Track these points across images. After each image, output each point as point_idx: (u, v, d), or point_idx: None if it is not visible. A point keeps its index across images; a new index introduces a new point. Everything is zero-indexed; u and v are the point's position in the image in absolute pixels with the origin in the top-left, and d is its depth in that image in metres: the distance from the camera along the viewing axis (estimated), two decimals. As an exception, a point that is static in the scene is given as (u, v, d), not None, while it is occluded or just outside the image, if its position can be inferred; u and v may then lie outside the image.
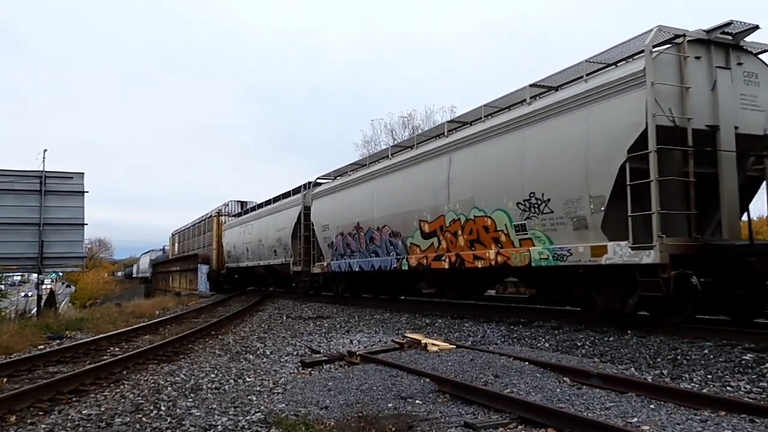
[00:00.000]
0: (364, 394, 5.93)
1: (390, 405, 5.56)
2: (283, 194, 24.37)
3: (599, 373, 6.26)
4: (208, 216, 37.08)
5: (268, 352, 9.45)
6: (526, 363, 6.98)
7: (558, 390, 5.78)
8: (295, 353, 9.22)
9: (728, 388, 5.94)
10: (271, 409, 5.63)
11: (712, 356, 6.99)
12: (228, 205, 35.95)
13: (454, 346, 8.33)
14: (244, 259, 28.78)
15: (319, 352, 8.98)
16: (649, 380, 6.32)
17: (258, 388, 6.67)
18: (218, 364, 8.28)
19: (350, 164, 18.72)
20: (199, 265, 33.61)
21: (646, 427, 4.45)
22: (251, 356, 9.17)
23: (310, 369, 7.83)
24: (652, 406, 5.10)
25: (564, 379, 6.31)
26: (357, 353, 8.07)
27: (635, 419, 4.70)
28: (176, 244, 48.83)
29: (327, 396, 5.97)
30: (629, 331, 8.83)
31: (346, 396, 5.92)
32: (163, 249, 63.33)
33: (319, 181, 20.82)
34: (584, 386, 6.02)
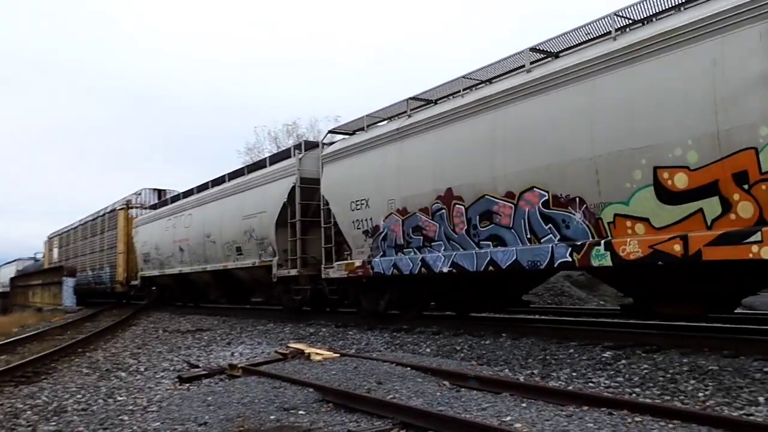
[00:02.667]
0: (245, 408, 5.79)
1: (272, 417, 5.46)
2: (252, 165, 17.47)
3: (476, 376, 6.53)
4: (109, 210, 27.22)
5: (142, 369, 8.96)
6: (408, 368, 7.12)
7: (438, 393, 5.96)
8: (171, 368, 8.80)
9: (590, 384, 6.41)
10: (144, 428, 5.34)
11: (576, 355, 7.52)
12: (141, 194, 26.70)
13: (338, 355, 8.34)
14: (174, 264, 20.40)
15: (197, 367, 8.64)
16: (522, 380, 6.68)
17: (131, 407, 6.30)
18: (86, 384, 7.73)
19: (397, 103, 11.57)
20: (64, 278, 27.12)
21: (518, 425, 4.69)
22: (123, 373, 8.65)
23: (188, 384, 7.51)
24: (524, 405, 5.39)
25: (444, 382, 6.51)
26: (238, 366, 7.85)
27: (509, 418, 4.94)
28: (55, 250, 37.88)
29: (206, 411, 5.75)
30: (504, 334, 9.29)
31: (227, 410, 5.74)
32: (35, 258, 49.97)
33: (334, 135, 13.94)
34: (463, 389, 6.23)
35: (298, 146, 14.68)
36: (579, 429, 4.49)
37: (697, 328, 8.78)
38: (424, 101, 11.11)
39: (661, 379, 6.16)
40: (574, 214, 7.94)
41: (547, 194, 8.26)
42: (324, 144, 13.71)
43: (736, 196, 6.30)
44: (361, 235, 11.80)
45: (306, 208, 13.95)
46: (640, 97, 7.17)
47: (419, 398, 5.79)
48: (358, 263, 11.83)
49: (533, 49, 8.95)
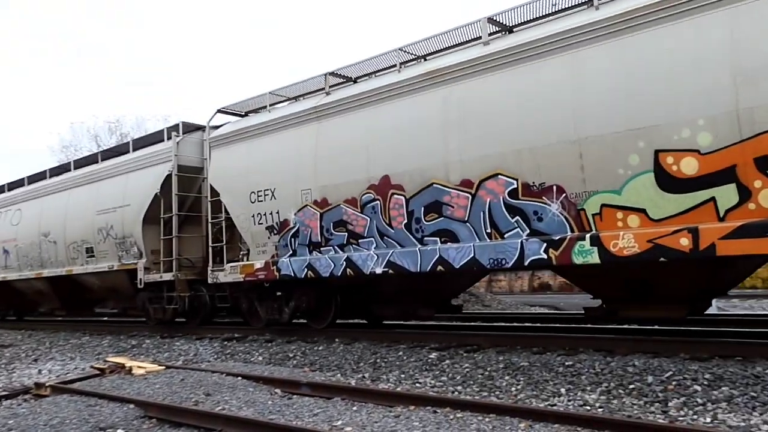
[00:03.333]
0: (54, 430, 5.25)
1: (86, 438, 5.01)
2: (108, 151, 14.86)
3: (308, 382, 6.54)
4: None
5: (-75, 393, 7.74)
6: (239, 378, 6.95)
7: (270, 402, 5.88)
8: (-37, 391, 7.72)
9: (417, 384, 6.72)
10: (-74, 462, 4.62)
11: (405, 357, 7.83)
12: None
13: (163, 367, 7.89)
14: None
15: (-4, 388, 7.68)
16: (353, 384, 6.82)
17: None
18: None
19: (312, 79, 10.05)
20: None
21: (348, 428, 4.78)
22: None
23: (-16, 408, 6.63)
24: (354, 408, 5.50)
25: (276, 390, 6.44)
26: (46, 384, 7.10)
27: (340, 422, 5.01)
28: None
29: (6, 437, 5.13)
30: (337, 340, 9.41)
31: (32, 435, 5.16)
32: None
33: (226, 114, 11.72)
34: (295, 396, 6.22)
35: (173, 128, 12.33)
36: (406, 428, 4.68)
37: (510, 328, 9.58)
38: (345, 78, 9.76)
39: (480, 376, 6.63)
40: (549, 205, 6.95)
41: (515, 182, 7.22)
42: (211, 127, 11.62)
43: (757, 183, 5.62)
44: (264, 231, 10.10)
45: (182, 201, 12.12)
46: (640, 71, 6.28)
47: (250, 408, 5.67)
48: (259, 265, 10.14)
49: (492, 20, 7.95)
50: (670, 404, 5.10)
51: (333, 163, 9.10)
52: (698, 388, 5.32)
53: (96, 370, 7.99)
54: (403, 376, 7.12)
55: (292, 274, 9.56)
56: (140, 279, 12.20)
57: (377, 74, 9.36)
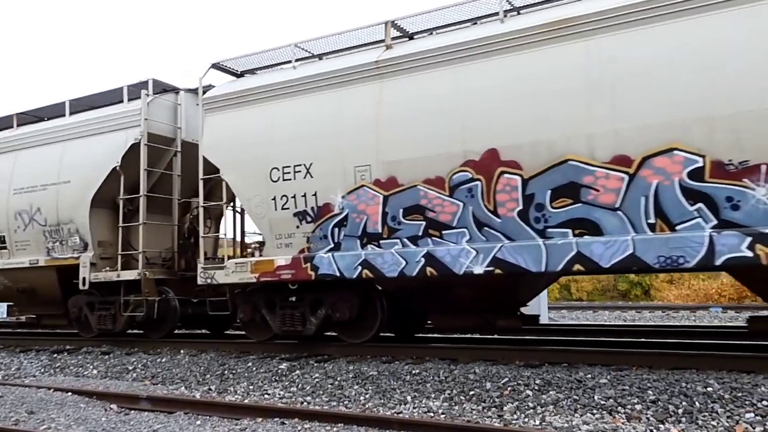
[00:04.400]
0: None
1: None
2: (30, 112, 11.55)
3: (149, 396, 6.18)
4: None
5: None
6: (69, 394, 6.42)
7: (104, 419, 5.48)
8: None
9: (266, 395, 6.60)
10: None
11: (254, 368, 7.66)
12: None
13: (-22, 384, 7.05)
14: None
15: None
16: (198, 397, 6.55)
17: None
18: None
19: (365, 29, 8.21)
20: None
21: (191, 444, 4.57)
22: None
23: None
24: (198, 422, 5.28)
25: (111, 406, 6.02)
26: None
27: (182, 437, 4.78)
28: None
29: None
30: (182, 351, 8.98)
31: None
32: None
33: (222, 72, 9.35)
34: (133, 411, 5.84)
35: (140, 85, 9.87)
36: (252, 441, 4.58)
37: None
38: (402, 32, 8.09)
39: (330, 386, 6.65)
40: (753, 190, 5.60)
41: (700, 160, 5.79)
42: (205, 87, 9.25)
43: None
44: (290, 219, 8.05)
45: (153, 180, 9.82)
46: None
47: (80, 426, 5.24)
48: (282, 261, 8.06)
49: None
50: (505, 408, 5.46)
51: (407, 132, 7.30)
52: (530, 393, 5.75)
53: None
54: (251, 387, 6.95)
55: (337, 273, 7.62)
56: (83, 278, 9.63)
57: (463, 25, 7.77)
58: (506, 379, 6.11)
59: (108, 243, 9.96)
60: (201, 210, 9.13)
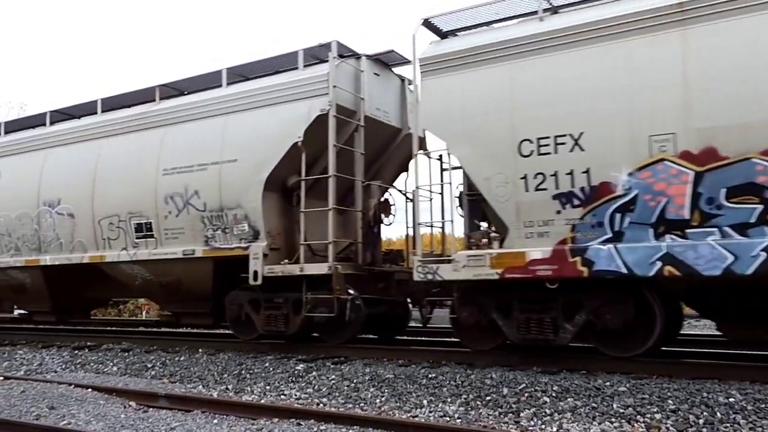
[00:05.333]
0: None
1: None
2: (166, 85, 10.12)
3: (167, 394, 6.25)
4: None
5: None
6: (89, 390, 6.51)
7: (123, 416, 5.54)
8: None
9: (283, 396, 6.62)
10: None
11: (271, 368, 7.69)
12: None
13: (1, 378, 7.18)
14: None
15: None
16: (215, 396, 6.60)
17: None
18: None
19: None
20: None
21: (207, 442, 4.60)
22: None
23: None
24: (215, 421, 5.32)
25: (130, 403, 6.09)
26: None
27: (198, 436, 4.82)
28: None
29: None
30: (200, 350, 9.05)
31: None
32: None
33: (434, 28, 7.93)
34: (151, 409, 5.91)
35: (322, 48, 8.60)
36: (268, 441, 4.60)
37: (379, 341, 9.72)
38: None
39: (346, 388, 6.66)
40: None
41: None
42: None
43: None
44: (547, 202, 6.73)
45: (315, 159, 8.63)
46: None
47: (100, 422, 5.30)
48: (536, 254, 6.71)
49: None
50: (522, 414, 5.42)
51: (734, 90, 5.90)
52: (547, 399, 5.70)
53: None
54: (268, 387, 6.99)
55: (623, 270, 6.23)
56: (255, 272, 8.29)
57: None
58: (523, 384, 6.07)
59: (275, 232, 8.60)
60: (416, 193, 7.85)
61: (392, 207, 8.99)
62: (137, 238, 9.52)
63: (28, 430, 4.98)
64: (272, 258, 8.41)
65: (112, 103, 10.55)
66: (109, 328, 13.58)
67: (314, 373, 7.32)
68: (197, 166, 8.93)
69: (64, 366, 8.87)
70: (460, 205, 7.74)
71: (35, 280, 10.95)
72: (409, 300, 8.97)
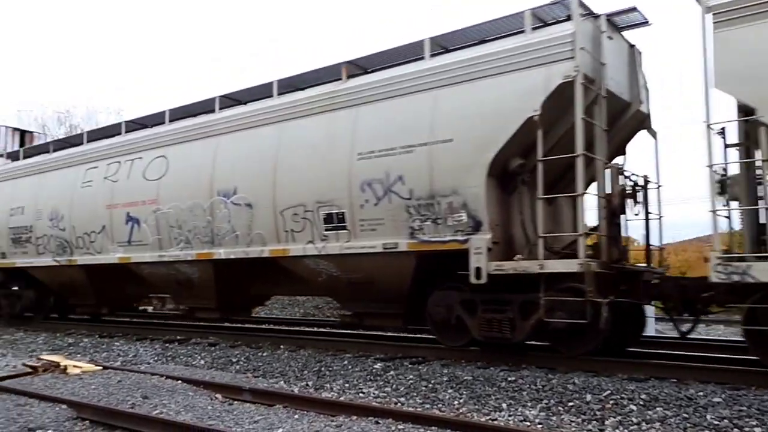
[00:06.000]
0: (-22, 429, 5.01)
1: (13, 439, 4.81)
2: (359, 59, 9.12)
3: (251, 388, 6.43)
4: None
5: None
6: (179, 382, 6.80)
7: (210, 407, 5.76)
8: None
9: (361, 394, 6.69)
10: None
11: (350, 366, 7.79)
12: None
13: (100, 368, 7.65)
14: (106, 247, 11.41)
15: None
16: (296, 392, 6.75)
17: None
18: None
19: None
20: None
21: (289, 437, 4.72)
22: None
23: None
24: (296, 416, 5.44)
25: (216, 396, 6.31)
26: (-27, 381, 6.78)
27: (280, 430, 4.95)
28: None
29: (-76, 436, 4.86)
30: (282, 346, 9.30)
31: (-47, 433, 4.92)
32: None
33: None
34: (236, 402, 6.11)
35: (556, 4, 7.49)
36: (347, 438, 4.66)
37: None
38: None
39: (424, 388, 6.65)
40: None
41: None
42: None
43: None
44: None
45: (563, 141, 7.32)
46: None
47: (189, 413, 5.53)
48: None
49: None
50: (606, 422, 5.22)
51: None
52: (634, 407, 5.47)
53: (28, 368, 7.68)
54: (347, 385, 7.08)
55: None
56: (477, 269, 7.12)
57: None
58: (608, 391, 5.85)
59: (494, 223, 7.45)
60: (711, 173, 6.17)
61: (640, 194, 7.63)
62: (326, 230, 8.49)
63: (124, 417, 5.27)
64: (495, 253, 7.28)
65: (289, 85, 9.65)
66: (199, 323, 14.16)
67: (392, 372, 7.36)
68: (400, 148, 7.85)
69: (156, 358, 9.34)
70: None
71: (204, 275, 10.24)
72: (655, 304, 7.84)
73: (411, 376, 7.07)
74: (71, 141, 13.51)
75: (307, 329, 12.77)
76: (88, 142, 12.55)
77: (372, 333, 11.06)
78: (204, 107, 10.74)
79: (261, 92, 9.99)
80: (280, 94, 9.57)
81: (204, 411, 5.59)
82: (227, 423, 5.18)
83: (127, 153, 11.34)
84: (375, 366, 7.67)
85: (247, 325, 12.94)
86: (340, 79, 8.95)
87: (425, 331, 10.60)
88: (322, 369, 7.82)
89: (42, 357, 8.37)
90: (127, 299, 13.55)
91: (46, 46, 63.16)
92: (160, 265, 10.63)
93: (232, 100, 10.48)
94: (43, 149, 14.01)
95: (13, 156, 15.04)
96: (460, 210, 7.41)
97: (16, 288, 13.81)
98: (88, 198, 11.70)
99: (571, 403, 5.72)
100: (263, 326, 12.66)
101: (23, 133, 16.73)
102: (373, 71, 8.97)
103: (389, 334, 11.08)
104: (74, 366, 7.52)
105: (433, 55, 8.18)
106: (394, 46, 8.69)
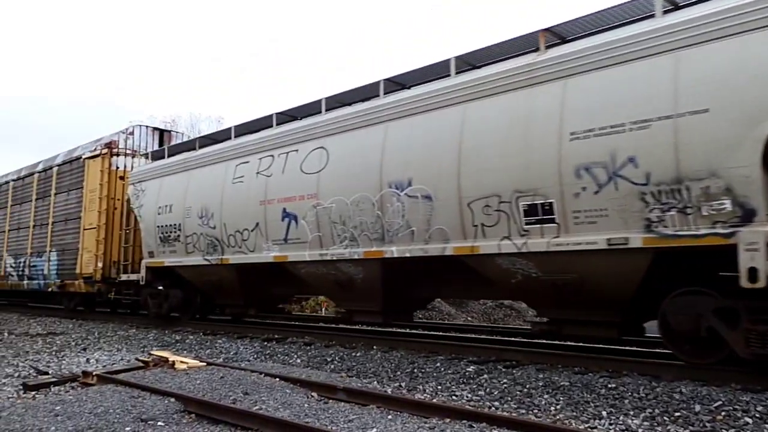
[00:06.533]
0: (98, 419, 5.40)
1: (128, 429, 5.15)
2: (559, 25, 7.80)
3: (345, 388, 6.54)
4: (60, 162, 17.14)
5: (-20, 375, 8.10)
6: (277, 379, 7.02)
7: (306, 405, 5.91)
8: (16, 375, 8.03)
9: (454, 397, 6.64)
10: (-23, 441, 4.82)
11: (442, 369, 7.76)
12: (134, 133, 15.97)
13: (205, 364, 8.03)
14: (258, 245, 10.79)
15: (46, 373, 7.96)
16: (389, 392, 6.79)
17: (-38, 417, 5.66)
18: None
19: None
20: None
21: (383, 437, 4.75)
22: (-43, 380, 7.77)
23: (34, 392, 6.88)
24: (389, 417, 5.47)
25: (312, 394, 6.47)
26: (93, 373, 7.32)
27: (374, 430, 5.00)
28: None
29: (53, 422, 5.30)
30: (375, 347, 9.41)
31: (77, 421, 5.33)
32: None
33: None
34: (331, 400, 6.23)
35: None
36: (440, 441, 4.63)
37: (552, 345, 9.39)
38: None
39: (518, 393, 6.51)
40: None
41: None
42: None
43: None
44: None
45: None
46: None
47: (286, 410, 5.71)
48: None
49: None
50: (717, 435, 4.91)
51: None
52: (749, 420, 5.10)
53: (141, 363, 8.20)
54: (439, 387, 7.05)
55: None
56: (751, 269, 5.69)
57: None
58: (719, 402, 5.49)
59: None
60: None
61: None
62: (527, 224, 7.32)
63: (227, 412, 5.51)
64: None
65: (467, 63, 8.66)
66: (294, 323, 14.59)
67: (485, 375, 7.26)
68: (631, 123, 6.50)
69: (255, 355, 9.71)
70: None
71: (369, 275, 9.33)
72: None
73: (505, 380, 6.95)
74: (217, 137, 12.98)
75: (399, 330, 12.86)
76: (236, 137, 11.96)
77: (465, 336, 10.95)
78: (362, 94, 9.89)
79: (433, 72, 8.98)
80: (458, 72, 8.45)
81: (300, 408, 5.75)
82: (323, 421, 5.30)
83: (281, 146, 10.56)
84: (468, 369, 7.60)
85: (341, 326, 13.20)
86: (533, 50, 7.81)
87: (518, 334, 10.41)
88: (415, 370, 7.84)
89: (152, 352, 8.90)
90: (272, 300, 12.96)
91: (46, 46, 66.55)
92: (320, 264, 9.84)
93: (396, 84, 9.47)
94: (189, 146, 13.44)
95: (157, 155, 14.49)
96: (721, 196, 5.95)
97: (161, 288, 13.61)
98: (240, 194, 11.12)
99: (677, 414, 5.41)
100: (356, 327, 12.86)
101: (162, 132, 16.67)
102: (576, 39, 7.68)
103: (482, 336, 10.95)
104: (181, 362, 7.94)
105: (666, 11, 6.70)
106: (607, 7, 7.31)
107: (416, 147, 8.46)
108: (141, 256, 13.93)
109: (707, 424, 5.12)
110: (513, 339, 9.70)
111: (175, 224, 12.63)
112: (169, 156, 13.82)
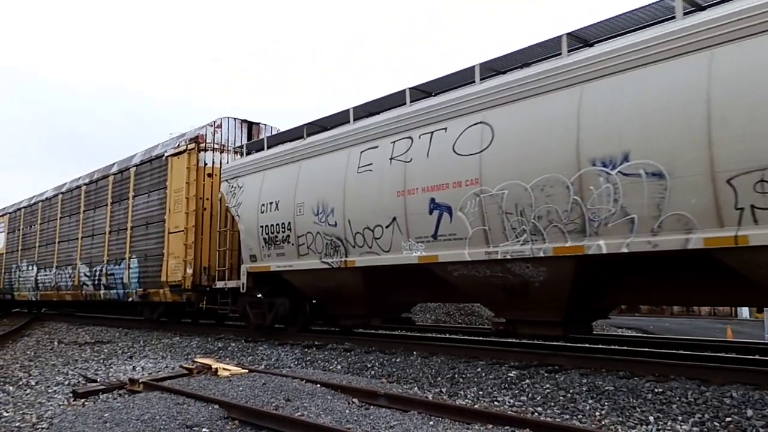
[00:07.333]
0: (145, 425, 5.52)
1: (174, 435, 5.25)
2: None
3: (386, 393, 6.54)
4: (139, 161, 15.93)
5: (33, 383, 8.38)
6: (318, 385, 7.06)
7: (347, 411, 5.92)
8: (66, 383, 8.29)
9: (496, 402, 6.58)
10: (32, 447, 4.98)
11: (483, 374, 7.69)
12: (222, 126, 14.37)
13: (247, 371, 8.14)
14: (388, 246, 9.12)
15: (95, 381, 8.18)
16: (430, 398, 6.76)
17: (18, 424, 5.87)
18: (-33, 398, 7.13)
19: None
20: None
21: (425, 443, 4.73)
22: (11, 387, 8.05)
23: (83, 400, 7.09)
24: (431, 423, 5.45)
25: (353, 400, 6.48)
26: (139, 380, 7.50)
27: (416, 436, 4.98)
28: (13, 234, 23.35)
29: (102, 428, 5.45)
30: (415, 352, 9.38)
31: (125, 427, 5.46)
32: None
33: None
34: (372, 406, 6.24)
35: None
36: (483, 447, 4.59)
37: (595, 350, 9.22)
38: None
39: (561, 398, 6.41)
40: None
41: None
42: None
43: None
44: None
45: None
46: None
47: (328, 416, 5.73)
48: None
49: None
50: (771, 441, 4.74)
51: None
52: (805, 425, 4.91)
53: (185, 370, 8.35)
54: (481, 393, 6.99)
55: None
56: None
57: None
58: (773, 407, 5.30)
59: None
60: None
61: None
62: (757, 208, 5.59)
63: (270, 418, 5.57)
64: None
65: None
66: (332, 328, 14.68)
67: (527, 380, 7.17)
68: None
69: (296, 362, 9.79)
70: None
71: (554, 277, 7.48)
72: None
73: (547, 385, 6.84)
74: (329, 122, 11.25)
75: (439, 335, 12.80)
76: (356, 120, 10.33)
77: (505, 340, 10.84)
78: (528, 56, 8.20)
79: (654, 15, 7.14)
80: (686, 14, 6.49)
81: (342, 414, 5.77)
82: (364, 427, 5.31)
83: (422, 125, 8.82)
84: (509, 374, 7.51)
85: (380, 331, 13.21)
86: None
87: (556, 338, 10.22)
88: (456, 376, 7.79)
89: (196, 360, 9.07)
90: (393, 308, 11.14)
91: (46, 46, 67.73)
92: (483, 264, 8.04)
93: (579, 39, 7.63)
94: (296, 135, 11.77)
95: (254, 147, 12.97)
96: None
97: (260, 296, 12.21)
98: (369, 185, 9.41)
99: (728, 419, 5.25)
100: (395, 332, 12.85)
101: (251, 125, 15.37)
102: None
103: (523, 341, 10.83)
104: (224, 369, 8.06)
105: None
106: None
107: (636, 113, 6.48)
108: (236, 261, 12.70)
109: (761, 430, 4.95)
110: (554, 344, 9.56)
111: (283, 223, 11.02)
112: (268, 147, 12.30)
